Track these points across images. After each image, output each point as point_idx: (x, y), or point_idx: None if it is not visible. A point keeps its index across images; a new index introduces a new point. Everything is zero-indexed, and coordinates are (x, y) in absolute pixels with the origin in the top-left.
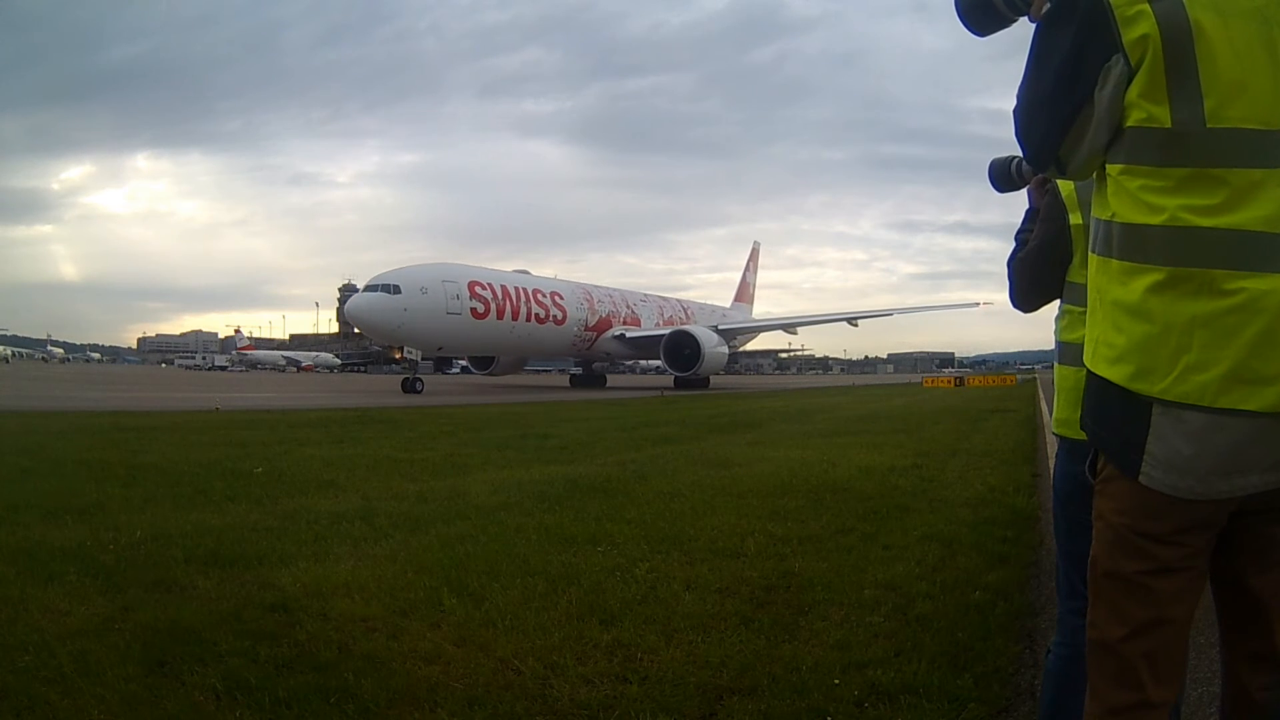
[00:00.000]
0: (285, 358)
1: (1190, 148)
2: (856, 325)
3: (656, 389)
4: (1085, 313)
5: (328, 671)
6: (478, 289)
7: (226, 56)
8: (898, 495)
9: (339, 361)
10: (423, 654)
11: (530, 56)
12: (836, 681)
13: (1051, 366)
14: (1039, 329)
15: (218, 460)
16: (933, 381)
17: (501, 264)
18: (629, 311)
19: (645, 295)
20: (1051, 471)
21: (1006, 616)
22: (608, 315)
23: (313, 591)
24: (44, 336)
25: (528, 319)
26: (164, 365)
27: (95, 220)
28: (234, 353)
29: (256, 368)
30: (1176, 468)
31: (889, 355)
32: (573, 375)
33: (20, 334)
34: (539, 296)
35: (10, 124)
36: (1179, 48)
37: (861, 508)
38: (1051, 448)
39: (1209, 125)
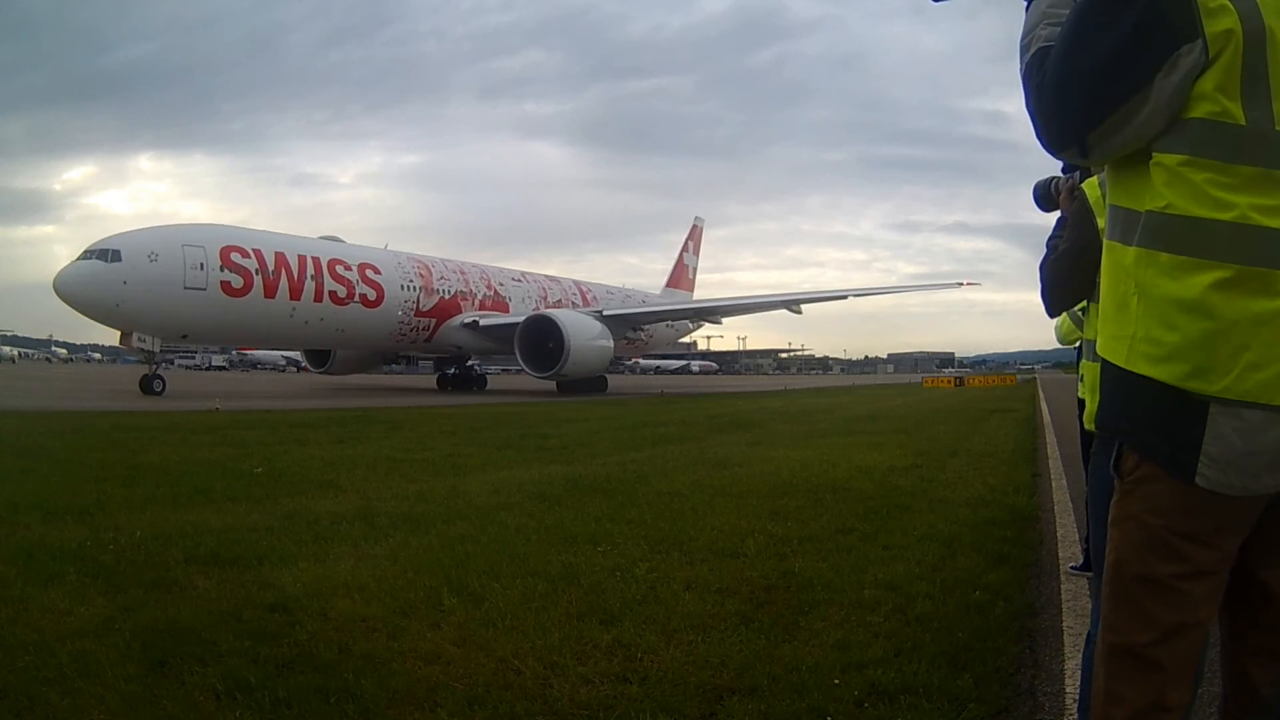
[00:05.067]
0: (285, 358)
1: (1263, 148)
2: (800, 312)
3: (539, 394)
4: None
5: (328, 671)
6: (235, 256)
7: (230, 58)
8: (898, 495)
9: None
10: (423, 654)
11: (531, 58)
12: (836, 681)
13: (1052, 366)
14: (1039, 329)
15: (218, 460)
16: (933, 381)
17: (504, 264)
18: (490, 292)
19: (522, 274)
20: (1051, 471)
21: (1006, 616)
22: (454, 296)
23: (313, 591)
24: (47, 337)
25: (318, 298)
26: (165, 366)
27: (97, 221)
28: (233, 353)
29: (257, 368)
30: (1233, 465)
31: (889, 355)
32: (440, 376)
33: (24, 334)
34: (339, 269)
35: (13, 125)
36: (1257, 49)
37: (861, 508)
38: (1052, 448)
39: (1278, 128)
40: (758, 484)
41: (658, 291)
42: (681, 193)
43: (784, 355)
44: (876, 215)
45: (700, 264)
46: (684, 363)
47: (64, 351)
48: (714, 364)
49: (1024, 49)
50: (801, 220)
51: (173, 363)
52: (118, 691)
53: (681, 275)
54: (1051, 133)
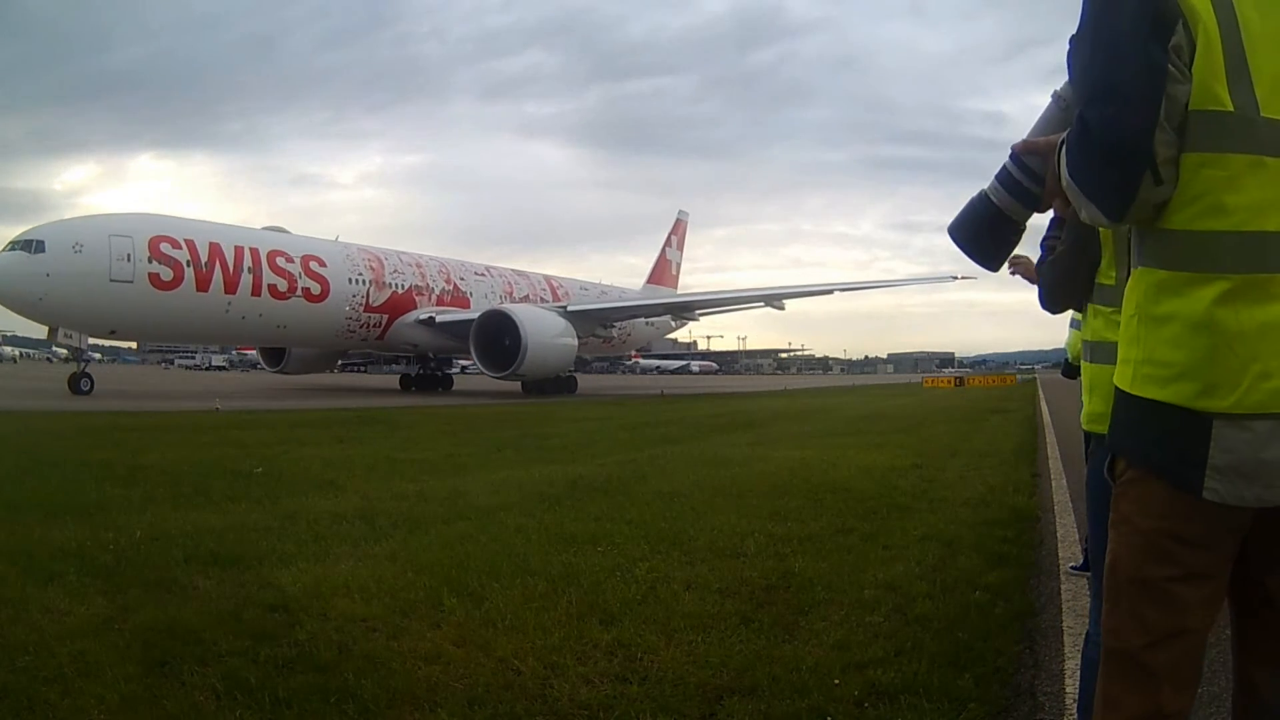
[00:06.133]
0: None
1: (1251, 134)
2: (782, 308)
3: (508, 395)
4: (1114, 313)
5: (328, 671)
6: (165, 247)
7: (231, 59)
8: (898, 495)
9: (339, 361)
10: (423, 654)
11: (532, 59)
12: (836, 681)
13: (1053, 366)
14: (1039, 329)
15: (218, 460)
16: (933, 381)
17: (505, 264)
18: (449, 287)
19: (487, 268)
20: (1051, 471)
21: (1006, 616)
22: (409, 291)
23: (313, 591)
24: (48, 337)
25: (256, 292)
26: (164, 366)
27: None
28: (233, 353)
29: (257, 367)
30: (1243, 476)
31: (889, 355)
32: (404, 376)
33: (25, 335)
34: (279, 261)
35: (13, 125)
36: (1231, 31)
37: (861, 508)
38: (1053, 448)
39: (1263, 114)
40: (758, 484)
41: (637, 288)
42: (682, 193)
43: (784, 355)
44: (877, 215)
45: (700, 264)
46: (684, 363)
47: (64, 352)
48: (714, 364)
49: (1063, 162)
50: (802, 220)
51: (173, 362)
52: (118, 691)
53: (664, 271)
54: (1130, 138)
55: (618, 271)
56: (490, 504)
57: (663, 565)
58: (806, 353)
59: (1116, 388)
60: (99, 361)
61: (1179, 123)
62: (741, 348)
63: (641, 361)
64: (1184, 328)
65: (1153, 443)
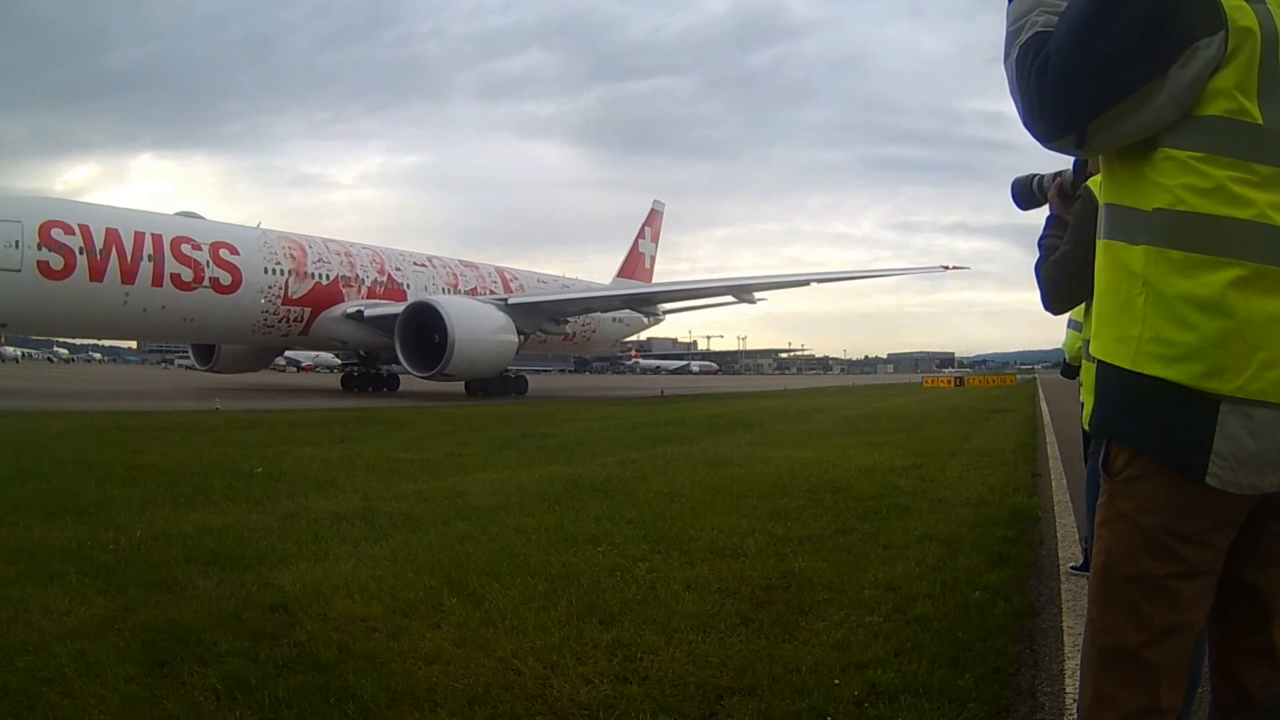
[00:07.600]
0: (285, 357)
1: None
2: (754, 302)
3: (456, 397)
4: None
5: (328, 671)
6: (57, 233)
7: (231, 59)
8: (898, 495)
9: (339, 361)
10: (423, 654)
11: (532, 59)
12: (836, 681)
13: (1053, 366)
14: (1039, 329)
15: (218, 460)
16: (933, 382)
17: (505, 263)
18: (382, 278)
19: (429, 258)
20: (1051, 471)
21: (1006, 616)
22: (334, 281)
23: (313, 591)
24: (48, 337)
25: (157, 282)
26: (164, 366)
27: None
28: None
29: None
30: (1243, 464)
31: (889, 355)
32: (345, 376)
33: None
34: (185, 249)
35: (14, 126)
36: (1271, 50)
37: (861, 508)
38: (1052, 448)
39: None
40: (758, 484)
41: (606, 282)
42: (682, 193)
43: (784, 355)
44: (877, 215)
45: (700, 264)
46: (684, 363)
47: (65, 352)
48: (714, 364)
49: (1013, 34)
50: (802, 220)
51: (173, 363)
52: (118, 691)
53: (637, 265)
54: (1050, 119)
55: (616, 271)
56: (490, 504)
57: (663, 565)
58: (806, 353)
59: (1108, 365)
60: (99, 362)
61: (1150, 124)
62: (741, 348)
63: (642, 361)
64: (1194, 308)
65: (1151, 424)
